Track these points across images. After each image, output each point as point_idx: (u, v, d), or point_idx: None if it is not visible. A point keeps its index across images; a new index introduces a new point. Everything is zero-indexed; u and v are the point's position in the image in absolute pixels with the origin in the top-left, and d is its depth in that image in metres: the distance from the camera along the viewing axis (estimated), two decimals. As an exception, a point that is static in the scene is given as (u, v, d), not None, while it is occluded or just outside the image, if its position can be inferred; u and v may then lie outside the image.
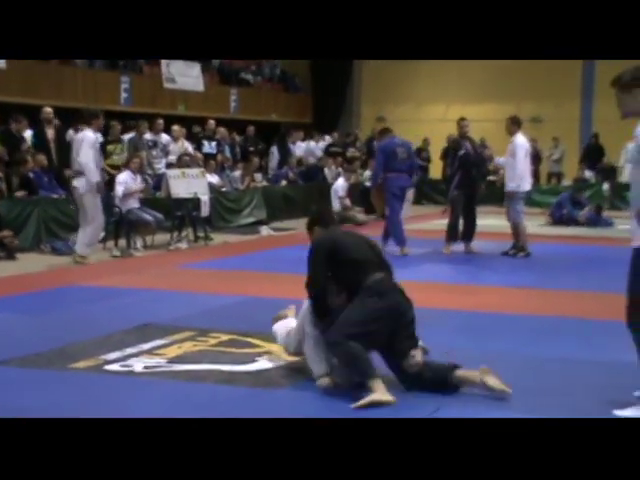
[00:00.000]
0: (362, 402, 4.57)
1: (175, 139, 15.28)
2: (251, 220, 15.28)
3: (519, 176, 11.02)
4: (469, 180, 11.49)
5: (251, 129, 18.54)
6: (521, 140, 11.13)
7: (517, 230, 11.24)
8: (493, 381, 4.78)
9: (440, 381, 4.87)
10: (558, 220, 15.79)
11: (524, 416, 4.39)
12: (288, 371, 5.37)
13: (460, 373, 4.88)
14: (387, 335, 4.87)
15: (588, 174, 20.09)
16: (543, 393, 4.94)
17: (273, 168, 18.67)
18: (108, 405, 4.68)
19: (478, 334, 6.50)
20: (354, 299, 4.93)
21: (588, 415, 4.40)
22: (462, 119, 11.68)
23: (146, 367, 5.45)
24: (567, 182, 20.24)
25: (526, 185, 11.20)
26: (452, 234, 11.61)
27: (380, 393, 4.63)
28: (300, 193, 17.60)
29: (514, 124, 11.12)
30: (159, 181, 13.53)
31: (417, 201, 19.15)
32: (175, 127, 15.50)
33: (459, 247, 11.66)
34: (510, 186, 11.11)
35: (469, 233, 11.71)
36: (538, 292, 8.44)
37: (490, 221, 14.71)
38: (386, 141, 11.91)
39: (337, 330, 4.79)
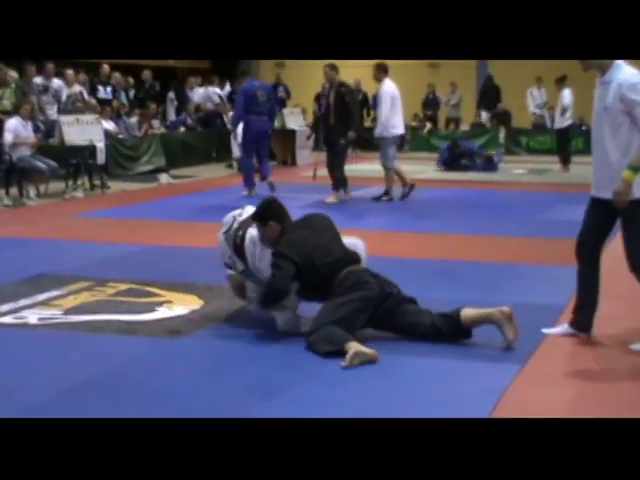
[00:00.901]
0: (347, 360, 4.39)
1: (69, 84, 14.80)
2: (149, 168, 15.01)
3: (384, 122, 11.21)
4: (329, 128, 11.46)
5: (147, 74, 18.10)
6: (387, 86, 11.25)
7: (386, 175, 11.50)
8: (509, 332, 4.63)
9: (454, 328, 4.77)
10: (447, 166, 15.89)
11: (425, 359, 4.50)
12: (188, 320, 5.33)
13: (469, 313, 4.78)
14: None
15: (485, 116, 20.39)
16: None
17: (171, 115, 18.34)
18: (1, 359, 4.56)
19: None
20: (328, 299, 4.81)
21: (487, 360, 4.53)
22: (327, 65, 11.39)
23: (41, 319, 5.32)
24: (465, 127, 20.53)
25: (396, 130, 11.36)
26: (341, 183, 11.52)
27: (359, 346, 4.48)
28: (199, 140, 17.36)
29: (380, 71, 11.22)
30: (51, 128, 13.12)
31: (316, 147, 19.13)
32: (69, 71, 15.01)
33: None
34: (376, 132, 11.38)
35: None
36: (432, 237, 8.56)
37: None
38: (246, 84, 12.03)
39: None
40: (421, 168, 16.21)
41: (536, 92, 19.54)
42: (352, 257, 5.06)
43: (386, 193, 11.43)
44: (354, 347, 4.45)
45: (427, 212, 10.37)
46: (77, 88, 14.86)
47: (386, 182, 11.49)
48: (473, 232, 8.70)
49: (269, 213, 5.07)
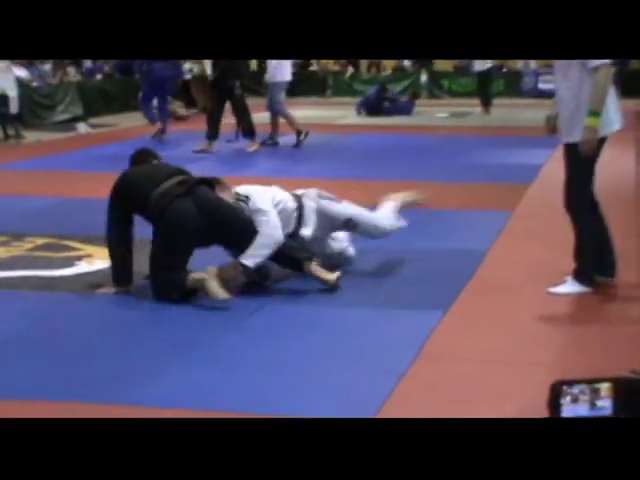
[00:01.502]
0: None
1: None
2: (66, 117, 14.63)
3: (273, 67, 11.22)
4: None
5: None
6: None
7: (274, 119, 11.53)
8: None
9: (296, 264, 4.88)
10: (370, 111, 15.88)
11: (346, 310, 4.52)
12: (108, 274, 5.22)
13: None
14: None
15: (407, 62, 20.41)
16: (369, 285, 5.05)
17: (87, 61, 17.84)
18: None
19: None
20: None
21: (409, 308, 4.57)
22: None
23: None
24: (387, 72, 20.52)
25: (286, 76, 11.36)
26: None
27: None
28: (118, 87, 16.97)
29: None
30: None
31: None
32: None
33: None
34: (266, 77, 11.43)
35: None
36: (350, 184, 8.51)
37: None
38: None
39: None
40: (342, 113, 16.21)
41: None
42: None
43: (270, 137, 11.45)
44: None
45: (345, 158, 10.34)
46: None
47: (272, 126, 11.53)
48: (393, 178, 8.69)
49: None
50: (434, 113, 15.77)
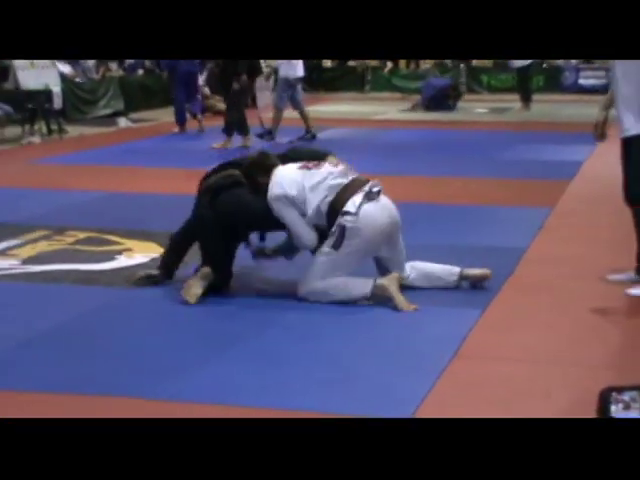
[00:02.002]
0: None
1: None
2: (108, 111, 14.73)
3: (282, 63, 11.28)
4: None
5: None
6: None
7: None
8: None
9: None
10: (429, 105, 15.45)
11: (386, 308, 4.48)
12: (149, 269, 5.23)
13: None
14: None
15: (446, 58, 20.25)
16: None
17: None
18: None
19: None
20: None
21: (447, 305, 4.52)
22: None
23: (-2, 270, 5.22)
24: (427, 65, 20.35)
25: (296, 72, 11.31)
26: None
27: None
28: (159, 83, 17.01)
29: None
30: (5, 72, 12.78)
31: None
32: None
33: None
34: (281, 72, 11.43)
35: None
36: (389, 179, 8.42)
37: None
38: None
39: None
40: (381, 109, 16.12)
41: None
42: None
43: (269, 132, 11.28)
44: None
45: (387, 154, 10.27)
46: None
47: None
48: (432, 174, 8.64)
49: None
50: (473, 109, 15.63)
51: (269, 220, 4.58)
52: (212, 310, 4.50)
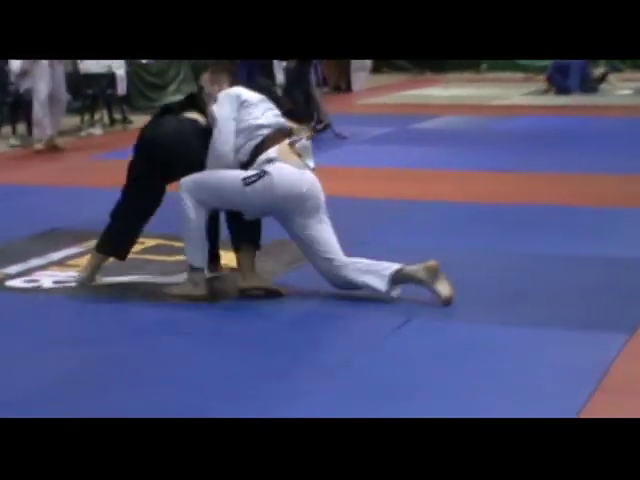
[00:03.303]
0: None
1: None
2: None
3: None
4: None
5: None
6: None
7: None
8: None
9: None
10: (561, 89, 15.17)
11: (511, 329, 4.45)
12: (224, 282, 5.32)
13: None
14: None
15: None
16: (531, 299, 4.96)
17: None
18: (13, 331, 4.60)
19: (450, 229, 6.48)
20: None
21: (588, 328, 4.46)
22: None
23: (57, 282, 5.36)
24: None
25: None
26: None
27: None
28: (237, 63, 17.27)
29: None
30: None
31: (376, 69, 18.96)
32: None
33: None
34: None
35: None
36: (511, 177, 8.41)
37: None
38: None
39: None
40: (500, 92, 15.98)
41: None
42: None
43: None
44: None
45: (507, 146, 10.18)
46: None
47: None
48: (564, 170, 8.54)
49: None
50: (614, 90, 15.35)
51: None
52: (298, 329, 4.54)
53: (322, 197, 4.96)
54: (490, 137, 11.02)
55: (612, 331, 4.37)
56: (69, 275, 5.47)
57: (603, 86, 15.47)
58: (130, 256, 5.84)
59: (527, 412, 3.52)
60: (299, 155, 4.93)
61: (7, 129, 11.36)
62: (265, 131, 4.95)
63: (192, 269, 5.01)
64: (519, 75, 18.08)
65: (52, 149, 10.16)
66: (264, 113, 5.02)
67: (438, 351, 4.24)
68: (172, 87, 15.07)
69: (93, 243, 6.10)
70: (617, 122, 11.87)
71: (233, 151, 4.95)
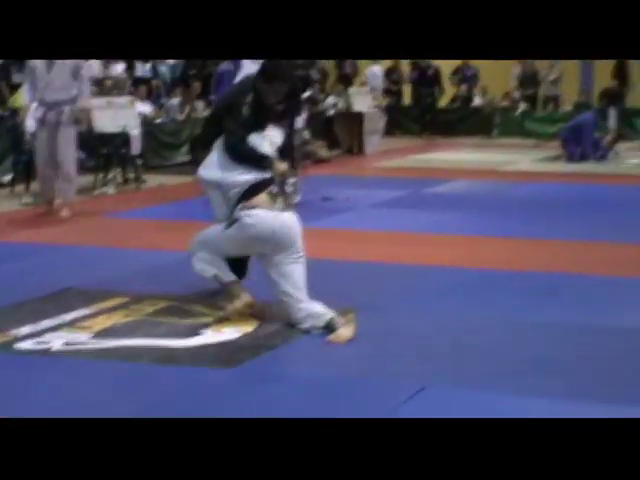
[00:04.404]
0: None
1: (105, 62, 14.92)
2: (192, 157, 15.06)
3: None
4: None
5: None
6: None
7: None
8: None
9: None
10: (574, 156, 15.01)
11: (519, 399, 4.36)
12: (240, 346, 5.26)
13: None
14: None
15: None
16: (546, 370, 4.88)
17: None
18: (21, 394, 4.54)
19: (462, 295, 6.42)
20: None
21: (601, 401, 4.37)
22: None
23: (67, 344, 5.30)
24: (567, 107, 20.16)
25: None
26: None
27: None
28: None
29: None
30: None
31: (389, 131, 19.04)
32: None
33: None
34: None
35: None
36: (526, 243, 8.37)
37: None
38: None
39: None
40: (511, 157, 16.01)
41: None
42: None
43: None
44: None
45: (518, 213, 10.14)
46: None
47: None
48: (576, 238, 8.49)
49: None
50: (625, 159, 15.36)
51: None
52: (318, 393, 4.45)
53: (294, 236, 5.58)
54: (502, 203, 10.99)
55: (632, 406, 4.27)
56: (80, 337, 5.41)
57: (612, 155, 15.45)
58: (140, 318, 5.82)
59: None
60: (274, 197, 5.65)
61: (20, 187, 11.39)
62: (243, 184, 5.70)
63: (226, 285, 5.74)
64: (530, 141, 18.14)
65: (49, 211, 10.09)
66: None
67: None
68: (186, 147, 15.15)
69: (105, 304, 6.10)
70: (627, 190, 11.85)
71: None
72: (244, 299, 5.66)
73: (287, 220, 5.61)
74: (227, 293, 5.78)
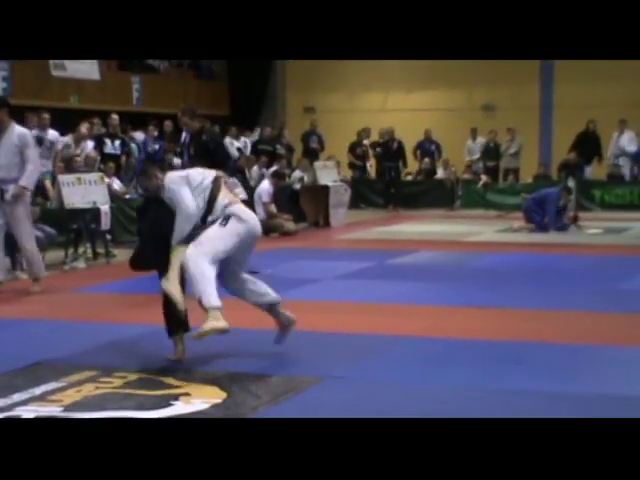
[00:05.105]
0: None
1: (76, 140, 15.01)
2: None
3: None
4: None
5: (168, 124, 18.31)
6: None
7: None
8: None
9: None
10: (538, 226, 15.30)
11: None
12: (207, 417, 5.26)
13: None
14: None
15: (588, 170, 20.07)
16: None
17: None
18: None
19: (429, 364, 6.47)
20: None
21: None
22: (180, 111, 10.46)
23: (38, 417, 5.28)
24: (528, 179, 20.50)
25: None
26: None
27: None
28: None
29: None
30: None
31: (354, 204, 19.23)
32: (83, 127, 15.23)
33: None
34: None
35: None
36: (490, 312, 8.43)
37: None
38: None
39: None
40: (474, 229, 16.17)
41: (626, 136, 19.53)
42: None
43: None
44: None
45: (482, 283, 10.22)
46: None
47: None
48: (540, 306, 8.57)
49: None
50: (585, 229, 15.57)
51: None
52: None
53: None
54: (465, 273, 11.08)
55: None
56: (50, 411, 5.40)
57: (573, 225, 15.68)
58: (110, 390, 5.81)
59: None
60: (231, 191, 6.67)
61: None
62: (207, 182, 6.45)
63: (211, 309, 6.13)
64: (492, 212, 18.39)
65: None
66: (201, 174, 6.57)
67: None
68: (154, 222, 15.21)
69: (75, 378, 6.09)
70: (588, 260, 12.00)
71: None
72: (222, 324, 6.13)
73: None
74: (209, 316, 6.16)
